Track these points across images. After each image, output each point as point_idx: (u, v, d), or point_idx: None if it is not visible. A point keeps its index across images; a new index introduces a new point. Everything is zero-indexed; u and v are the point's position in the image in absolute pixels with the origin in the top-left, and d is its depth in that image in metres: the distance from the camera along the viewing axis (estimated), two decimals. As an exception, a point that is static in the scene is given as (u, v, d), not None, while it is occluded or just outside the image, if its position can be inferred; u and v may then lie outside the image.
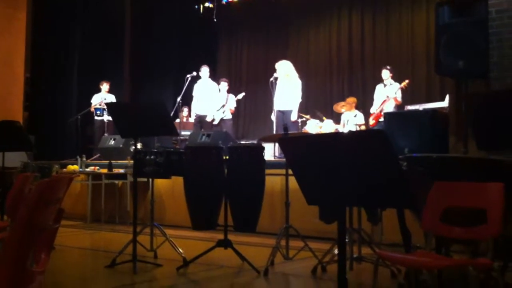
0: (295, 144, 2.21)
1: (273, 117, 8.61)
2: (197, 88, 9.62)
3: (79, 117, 10.17)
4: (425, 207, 2.87)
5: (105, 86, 10.33)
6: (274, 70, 8.61)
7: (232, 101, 9.76)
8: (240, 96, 9.81)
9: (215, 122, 9.72)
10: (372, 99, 9.20)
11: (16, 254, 1.52)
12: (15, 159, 7.17)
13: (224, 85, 9.84)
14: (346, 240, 4.08)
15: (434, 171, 3.31)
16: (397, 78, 9.08)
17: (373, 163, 1.87)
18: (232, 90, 10.13)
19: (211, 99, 9.56)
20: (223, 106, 9.62)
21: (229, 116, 9.78)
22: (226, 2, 12.77)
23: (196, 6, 13.03)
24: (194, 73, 9.41)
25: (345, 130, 9.18)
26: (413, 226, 3.70)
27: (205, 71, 9.58)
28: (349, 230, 4.24)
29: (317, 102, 10.80)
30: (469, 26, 5.02)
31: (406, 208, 3.32)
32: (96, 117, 10.23)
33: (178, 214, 6.50)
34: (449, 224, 2.83)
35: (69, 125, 10.50)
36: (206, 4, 12.88)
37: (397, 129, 4.98)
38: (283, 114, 8.46)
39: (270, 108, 8.88)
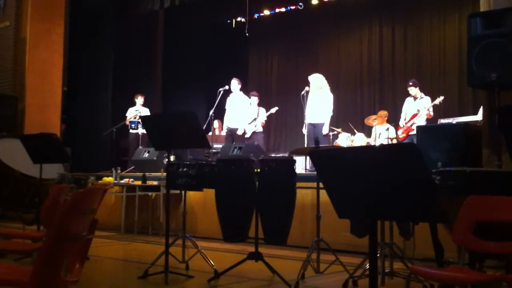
0: (326, 157, 2.23)
1: (305, 130, 8.61)
2: (229, 101, 9.69)
3: (114, 130, 10.38)
4: (458, 221, 2.84)
5: (139, 100, 10.51)
6: (305, 83, 8.64)
7: (263, 115, 9.82)
8: (273, 110, 9.82)
9: (247, 135, 9.78)
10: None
11: (50, 263, 1.56)
12: (52, 171, 7.34)
13: (254, 98, 9.91)
14: (378, 254, 4.05)
15: (468, 185, 3.27)
16: (428, 91, 8.99)
17: (405, 177, 1.87)
18: (263, 103, 10.20)
19: (242, 112, 9.61)
20: (255, 119, 9.68)
21: (260, 129, 9.83)
22: (258, 16, 12.89)
23: (229, 21, 13.19)
24: (226, 87, 9.48)
25: (377, 144, 9.12)
26: (445, 241, 3.65)
27: (234, 84, 9.61)
28: (381, 244, 4.20)
29: (348, 115, 10.77)
30: (502, 38, 4.96)
31: (438, 222, 3.29)
32: (130, 130, 10.41)
33: (210, 226, 6.55)
34: (483, 239, 2.80)
35: (105, 138, 10.72)
36: (238, 19, 13.04)
37: (430, 142, 4.94)
38: (314, 127, 8.47)
39: (301, 121, 8.90)
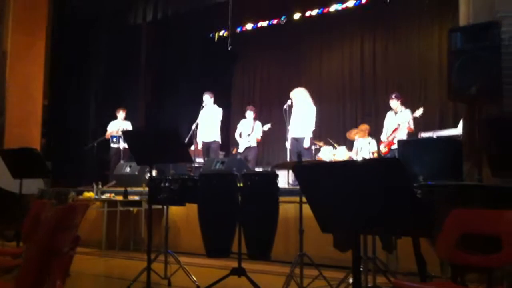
0: (309, 171, 2.23)
1: (287, 144, 8.64)
2: (201, 115, 9.59)
3: (95, 144, 10.29)
4: (441, 235, 2.86)
5: (121, 114, 10.45)
6: (288, 97, 8.68)
7: (258, 130, 9.76)
8: (266, 127, 9.77)
9: (240, 150, 9.74)
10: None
11: (32, 280, 1.54)
12: (32, 185, 7.24)
13: (250, 113, 9.88)
14: (361, 269, 4.05)
15: (449, 199, 3.30)
16: (409, 104, 9.07)
17: (388, 191, 1.88)
18: (241, 116, 10.16)
19: (213, 125, 9.52)
20: (249, 134, 9.64)
21: (254, 144, 9.78)
22: (240, 30, 12.95)
23: (211, 35, 13.23)
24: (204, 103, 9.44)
25: (359, 157, 9.17)
26: (428, 254, 3.66)
27: (206, 97, 9.53)
28: (364, 258, 4.21)
29: (330, 128, 10.83)
30: (482, 51, 5.04)
31: (421, 236, 3.30)
32: (112, 144, 10.33)
33: (193, 241, 6.50)
34: (466, 252, 2.81)
35: (86, 152, 10.62)
36: (221, 33, 13.09)
37: (411, 156, 4.98)
38: (297, 141, 8.51)
39: (283, 135, 8.92)
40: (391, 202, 1.91)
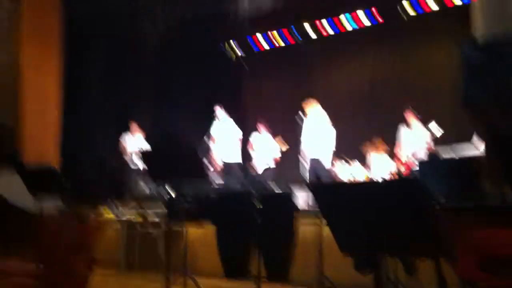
0: (329, 192, 2.20)
1: (306, 164, 8.57)
2: (218, 130, 9.48)
3: (114, 163, 10.34)
4: (462, 256, 2.80)
5: (134, 127, 10.47)
6: (300, 109, 8.64)
7: (275, 149, 9.69)
8: (284, 148, 9.71)
9: (259, 171, 9.65)
10: (397, 139, 9.11)
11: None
12: (51, 204, 7.26)
13: (264, 130, 9.79)
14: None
15: (471, 219, 3.23)
16: (423, 116, 8.97)
17: (409, 212, 1.85)
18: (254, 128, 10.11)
19: (233, 144, 9.42)
20: (266, 156, 9.59)
21: (273, 165, 9.71)
22: (251, 42, 12.99)
23: (223, 49, 13.28)
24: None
25: (377, 176, 9.07)
26: (450, 276, 3.59)
27: (220, 112, 9.46)
28: (385, 282, 4.13)
29: (342, 143, 10.73)
30: (496, 64, 4.97)
31: (443, 257, 3.24)
32: (131, 165, 10.37)
33: (211, 263, 6.45)
34: (489, 274, 2.74)
35: (104, 169, 10.64)
36: (231, 45, 13.14)
37: (431, 177, 4.91)
38: (316, 162, 8.44)
39: (300, 153, 8.84)
40: (412, 223, 1.88)
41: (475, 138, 6.97)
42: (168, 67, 12.01)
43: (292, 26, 12.43)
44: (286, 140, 9.84)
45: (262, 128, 9.87)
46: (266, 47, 13.04)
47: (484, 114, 5.08)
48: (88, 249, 1.72)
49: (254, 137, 9.90)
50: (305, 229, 5.66)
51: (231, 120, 9.56)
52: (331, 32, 12.13)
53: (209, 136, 9.26)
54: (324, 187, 2.51)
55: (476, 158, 6.63)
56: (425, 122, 8.80)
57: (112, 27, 11.01)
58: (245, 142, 9.92)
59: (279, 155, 9.75)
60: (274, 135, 10.05)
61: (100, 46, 11.15)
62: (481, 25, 5.44)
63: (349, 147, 10.31)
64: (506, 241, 2.75)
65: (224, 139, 9.46)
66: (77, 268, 1.71)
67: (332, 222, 2.15)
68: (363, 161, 9.50)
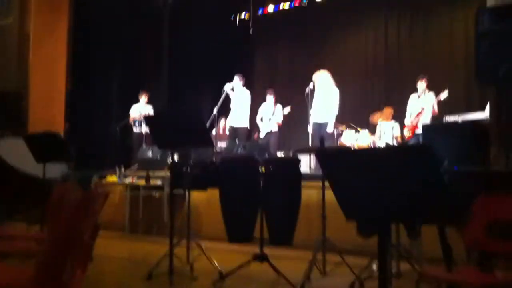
0: (333, 158, 2.17)
1: (309, 128, 8.56)
2: (232, 100, 9.51)
3: (118, 128, 10.35)
4: (470, 222, 2.79)
5: (143, 98, 10.48)
6: (310, 80, 8.57)
7: (279, 114, 9.70)
8: (286, 110, 9.71)
9: (261, 135, 9.68)
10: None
11: (52, 267, 1.52)
12: (56, 170, 7.30)
13: (270, 97, 9.80)
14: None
15: (476, 185, 3.22)
16: (435, 85, 8.90)
17: (415, 179, 1.82)
18: (264, 100, 10.10)
19: (244, 109, 9.46)
20: (270, 119, 9.59)
21: (276, 129, 9.72)
22: (261, 13, 12.85)
23: (232, 17, 13.15)
24: (229, 86, 9.32)
25: (381, 141, 9.05)
26: (452, 240, 3.59)
27: (236, 80, 9.37)
28: (389, 246, 4.14)
29: (352, 112, 10.66)
30: (511, 32, 4.89)
31: (449, 224, 3.23)
32: (134, 129, 10.39)
33: (215, 227, 6.50)
34: (495, 239, 2.74)
35: (109, 136, 10.67)
36: (242, 15, 13.00)
37: (435, 141, 4.88)
38: (320, 126, 8.42)
39: (305, 119, 8.83)
40: (419, 190, 1.85)
41: (487, 107, 6.92)
42: (178, 38, 11.90)
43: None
44: (294, 107, 9.80)
45: (268, 94, 9.84)
46: (276, 12, 12.86)
47: (496, 82, 5.04)
48: (92, 216, 1.71)
49: (262, 104, 9.89)
50: (308, 192, 5.68)
51: (244, 88, 9.49)
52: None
53: (220, 103, 9.22)
54: (328, 152, 2.47)
55: (480, 123, 6.60)
56: (437, 90, 8.72)
57: (122, 2, 10.88)
58: (253, 109, 9.90)
59: (281, 119, 9.73)
60: (282, 101, 10.02)
61: (110, 16, 11.00)
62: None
63: (360, 115, 10.27)
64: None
65: (235, 106, 9.44)
66: (80, 236, 1.70)
67: (336, 187, 2.12)
68: (372, 129, 9.48)
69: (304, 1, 12.26)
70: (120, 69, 11.54)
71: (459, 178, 3.29)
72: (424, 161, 1.78)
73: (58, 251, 1.58)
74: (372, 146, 8.83)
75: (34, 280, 1.60)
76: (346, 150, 5.18)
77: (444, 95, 8.47)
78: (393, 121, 9.24)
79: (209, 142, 4.72)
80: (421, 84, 8.78)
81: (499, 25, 5.02)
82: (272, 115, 9.64)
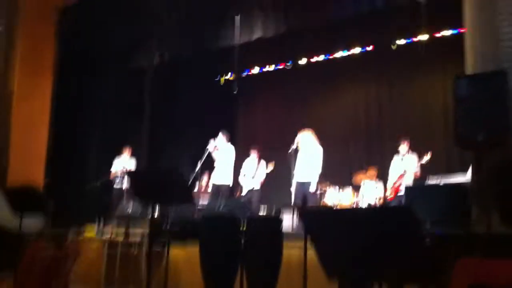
0: (316, 217, 2.16)
1: (292, 188, 8.55)
2: (216, 157, 9.56)
3: (98, 184, 10.24)
4: (451, 285, 2.75)
5: (127, 152, 10.45)
6: (293, 139, 8.63)
7: (262, 171, 9.72)
8: (269, 168, 9.74)
9: (243, 193, 9.66)
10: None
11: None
12: (32, 224, 7.13)
13: (254, 154, 9.85)
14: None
15: (457, 247, 3.21)
16: (415, 148, 9.02)
17: (398, 239, 1.81)
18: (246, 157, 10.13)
19: (228, 166, 9.46)
20: (253, 177, 9.59)
21: (258, 187, 9.71)
22: (246, 74, 13.08)
23: (217, 78, 13.37)
24: (212, 145, 9.36)
25: (364, 202, 9.06)
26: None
27: (220, 138, 9.47)
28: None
29: (336, 171, 10.72)
30: (488, 99, 5.02)
31: (430, 285, 3.19)
32: (115, 185, 10.29)
33: (193, 284, 6.35)
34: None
35: (89, 191, 10.54)
36: (227, 76, 13.22)
37: (417, 203, 4.89)
38: (302, 186, 8.41)
39: (288, 178, 8.83)
40: (400, 250, 1.84)
41: (470, 170, 7.02)
42: (162, 95, 12.04)
43: (291, 61, 12.52)
44: (277, 165, 9.84)
45: (252, 151, 9.89)
46: (259, 75, 13.18)
47: (475, 146, 5.12)
48: (64, 275, 1.65)
49: (244, 161, 9.93)
50: (289, 252, 5.59)
51: (229, 145, 9.54)
52: (322, 60, 12.26)
53: (203, 160, 9.24)
54: (311, 211, 2.46)
55: (461, 185, 6.65)
56: (418, 152, 8.86)
57: (107, 59, 11.02)
58: (237, 166, 9.92)
59: (264, 177, 9.73)
60: (265, 159, 10.07)
61: (94, 74, 11.13)
62: (475, 61, 5.52)
63: (343, 175, 10.33)
64: (493, 271, 2.71)
65: (219, 163, 9.48)
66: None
67: (318, 245, 2.10)
68: (356, 188, 9.52)
69: (289, 63, 12.52)
70: (102, 125, 11.56)
71: (440, 240, 3.28)
72: (405, 222, 1.78)
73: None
74: (354, 206, 8.83)
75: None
76: (329, 209, 5.17)
77: (426, 158, 8.59)
78: (376, 181, 9.29)
79: (189, 199, 4.68)
80: (403, 146, 8.91)
81: (476, 91, 5.15)
82: (255, 172, 9.64)
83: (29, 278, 2.10)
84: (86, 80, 11.09)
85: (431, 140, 10.28)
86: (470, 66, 5.59)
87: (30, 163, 9.64)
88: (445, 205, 4.74)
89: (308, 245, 4.54)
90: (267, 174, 9.83)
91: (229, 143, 9.56)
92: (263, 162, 9.82)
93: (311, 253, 3.32)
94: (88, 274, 7.80)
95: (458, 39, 7.07)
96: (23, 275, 3.29)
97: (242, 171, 9.85)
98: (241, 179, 9.87)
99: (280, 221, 4.72)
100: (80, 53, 10.78)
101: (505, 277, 2.64)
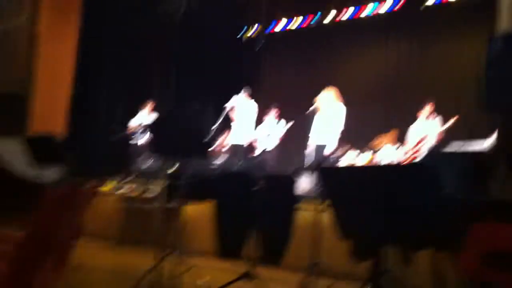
0: (335, 175, 2.12)
1: (310, 149, 8.48)
2: (237, 114, 9.49)
3: (119, 136, 10.30)
4: (466, 250, 2.71)
5: (149, 106, 10.44)
6: (315, 100, 8.51)
7: (278, 131, 9.68)
8: (288, 125, 9.70)
9: (259, 151, 9.64)
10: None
11: (25, 266, 1.45)
12: (53, 174, 7.22)
13: (272, 113, 9.79)
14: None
15: (476, 213, 3.15)
16: (441, 111, 8.86)
17: (415, 198, 1.76)
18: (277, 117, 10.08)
19: (248, 124, 9.42)
20: (269, 135, 9.56)
21: (274, 146, 9.68)
22: (269, 32, 12.90)
23: (243, 31, 13.22)
24: (231, 103, 9.28)
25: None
26: (445, 270, 3.51)
27: (242, 94, 9.38)
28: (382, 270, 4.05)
29: (358, 131, 10.59)
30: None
31: (447, 248, 3.16)
32: (135, 139, 10.33)
33: (206, 241, 6.40)
34: (490, 270, 2.65)
35: (110, 143, 10.60)
36: (249, 33, 13.06)
37: (435, 169, 4.81)
38: (320, 148, 8.34)
39: (307, 140, 8.75)
40: (417, 211, 1.79)
41: (493, 136, 6.88)
42: (187, 47, 11.91)
43: (319, 13, 12.27)
44: (296, 126, 9.76)
45: (271, 110, 9.80)
46: (283, 32, 12.92)
47: (505, 110, 4.98)
48: (69, 214, 1.63)
49: (263, 120, 9.86)
50: (302, 213, 5.59)
51: (252, 102, 9.45)
52: (347, 19, 12.01)
53: (223, 118, 9.17)
54: (330, 169, 2.42)
55: (480, 153, 6.53)
56: (443, 116, 8.70)
57: (133, 10, 10.88)
58: (256, 125, 9.88)
59: (281, 136, 9.68)
60: (285, 119, 9.99)
61: (118, 24, 11.00)
62: (506, 25, 5.32)
63: (364, 137, 10.20)
64: (509, 236, 2.66)
65: (239, 121, 9.41)
66: (57, 232, 1.62)
67: (336, 205, 2.06)
68: (376, 151, 9.41)
69: (312, 22, 12.30)
70: (126, 76, 11.50)
71: (455, 205, 3.22)
72: (422, 180, 1.73)
73: (31, 249, 1.51)
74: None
75: (6, 277, 1.52)
76: (348, 167, 5.12)
77: (450, 123, 8.45)
78: (396, 145, 9.18)
79: (207, 155, 4.66)
80: (427, 109, 8.77)
81: (510, 51, 4.97)
82: (272, 131, 9.60)
83: (43, 216, 2.11)
84: (113, 26, 10.93)
85: (457, 103, 10.06)
86: (505, 24, 5.40)
87: (54, 110, 9.58)
88: (463, 172, 4.66)
89: (322, 207, 4.53)
90: (285, 135, 9.76)
91: (252, 100, 9.44)
92: (281, 121, 9.74)
93: (324, 215, 3.29)
94: (104, 228, 7.91)
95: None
96: (39, 214, 3.31)
97: (259, 129, 9.78)
98: (257, 137, 9.82)
99: (295, 180, 4.70)
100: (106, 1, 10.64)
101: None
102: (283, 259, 4.50)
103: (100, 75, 11.03)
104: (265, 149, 9.58)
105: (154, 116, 10.36)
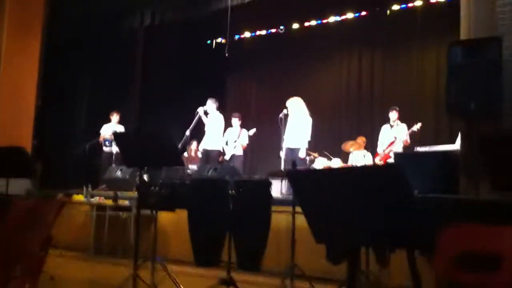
0: (306, 178, 2.12)
1: (282, 154, 8.53)
2: (206, 122, 9.50)
3: (87, 147, 10.16)
4: (439, 250, 2.74)
5: (115, 117, 10.33)
6: (284, 107, 8.57)
7: (244, 137, 9.70)
8: (251, 132, 9.74)
9: (226, 157, 9.64)
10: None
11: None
12: (20, 187, 7.09)
13: (236, 120, 9.81)
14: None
15: (447, 213, 3.19)
16: (405, 118, 9.01)
17: (386, 199, 1.78)
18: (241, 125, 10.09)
19: (217, 133, 9.44)
20: (235, 141, 9.56)
21: (240, 152, 9.69)
22: (238, 38, 12.91)
23: (209, 41, 13.19)
24: (203, 108, 9.26)
25: (354, 169, 9.07)
26: (422, 269, 3.55)
27: (209, 104, 9.36)
28: (357, 272, 4.08)
29: (325, 140, 10.71)
30: (482, 67, 4.97)
31: (420, 249, 3.19)
32: (104, 148, 10.22)
33: (182, 249, 6.36)
34: (463, 270, 2.69)
35: (77, 155, 10.47)
36: (219, 40, 13.05)
37: (407, 169, 4.87)
38: (292, 151, 8.39)
39: (278, 145, 8.80)
40: (390, 212, 1.81)
41: (458, 139, 7.02)
42: (152, 58, 11.87)
43: (283, 26, 12.37)
44: (267, 132, 9.80)
45: (234, 118, 9.84)
46: (251, 39, 13.05)
47: (467, 115, 5.09)
48: (40, 226, 1.60)
49: (227, 129, 9.88)
50: (278, 217, 5.60)
51: (218, 111, 9.46)
52: (315, 25, 12.11)
53: (193, 125, 9.14)
54: (300, 172, 2.42)
55: (450, 153, 6.65)
56: (408, 121, 8.87)
57: (97, 20, 10.77)
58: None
59: (247, 142, 9.73)
60: (254, 126, 10.03)
61: (83, 36, 10.90)
62: (469, 28, 5.44)
63: (332, 144, 10.32)
64: (482, 237, 2.70)
65: (209, 129, 9.40)
66: (26, 246, 1.58)
67: (307, 209, 2.07)
68: (345, 158, 9.52)
69: (281, 28, 12.37)
70: (91, 88, 11.42)
71: (428, 205, 3.26)
72: (392, 180, 1.74)
73: (4, 266, 1.47)
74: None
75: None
76: (318, 170, 5.14)
77: (417, 126, 8.60)
78: (365, 150, 9.30)
79: (179, 162, 4.63)
80: (393, 115, 8.92)
81: (470, 59, 5.09)
82: (237, 138, 9.62)
83: (10, 227, 2.05)
84: (76, 41, 10.88)
85: (421, 110, 10.28)
86: (464, 34, 5.52)
87: (18, 125, 9.51)
88: (434, 172, 4.74)
89: (297, 210, 4.55)
90: (256, 141, 9.79)
91: (218, 110, 9.46)
92: (244, 129, 9.79)
93: (300, 219, 3.30)
94: (76, 238, 7.79)
95: (452, 6, 6.97)
96: (5, 226, 3.24)
97: (225, 138, 9.78)
98: (223, 145, 9.82)
99: (269, 184, 4.70)
100: (70, 14, 10.56)
101: (492, 243, 2.63)
102: (261, 264, 4.49)
103: (64, 88, 10.93)
104: (234, 155, 9.58)
105: (122, 127, 10.28)
